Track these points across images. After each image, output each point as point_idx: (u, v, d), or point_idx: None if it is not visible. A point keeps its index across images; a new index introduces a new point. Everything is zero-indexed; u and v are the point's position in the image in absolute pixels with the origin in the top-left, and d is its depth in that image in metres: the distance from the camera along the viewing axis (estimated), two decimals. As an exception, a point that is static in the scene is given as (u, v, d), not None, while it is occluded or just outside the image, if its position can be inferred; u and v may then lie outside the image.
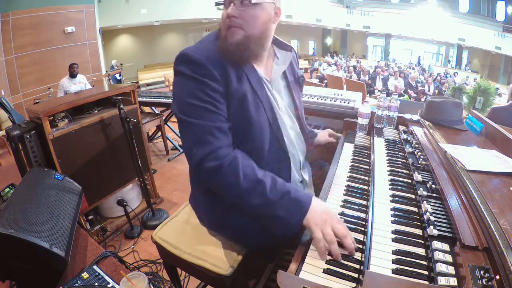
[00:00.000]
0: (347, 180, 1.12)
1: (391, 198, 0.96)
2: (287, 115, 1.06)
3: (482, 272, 0.60)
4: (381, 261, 0.71)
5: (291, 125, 1.07)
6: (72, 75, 4.41)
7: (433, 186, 0.96)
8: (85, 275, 1.03)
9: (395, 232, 0.80)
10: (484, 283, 0.58)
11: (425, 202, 0.88)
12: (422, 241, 0.77)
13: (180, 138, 1.00)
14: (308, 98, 2.05)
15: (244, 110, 0.91)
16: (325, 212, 0.80)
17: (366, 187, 1.08)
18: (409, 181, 1.06)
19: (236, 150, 0.89)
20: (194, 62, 0.87)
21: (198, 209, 1.14)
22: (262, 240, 0.99)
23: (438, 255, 0.68)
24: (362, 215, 0.91)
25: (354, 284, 0.67)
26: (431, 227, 0.76)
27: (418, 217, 0.86)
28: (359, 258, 0.75)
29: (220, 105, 0.88)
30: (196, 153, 0.86)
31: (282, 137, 1.00)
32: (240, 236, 1.03)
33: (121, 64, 8.43)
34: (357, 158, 1.31)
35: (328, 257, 0.74)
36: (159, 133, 3.89)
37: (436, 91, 7.51)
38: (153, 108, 3.75)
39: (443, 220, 0.80)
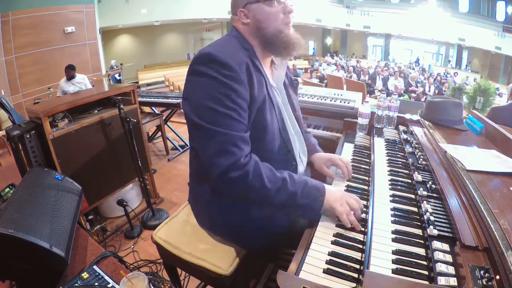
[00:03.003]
0: (347, 180, 1.12)
1: (391, 198, 0.96)
2: (290, 119, 1.08)
3: (482, 272, 0.60)
4: (381, 261, 0.71)
5: (294, 129, 1.08)
6: (67, 78, 4.37)
7: (433, 186, 0.96)
8: (85, 275, 1.03)
9: (395, 232, 0.80)
10: (484, 283, 0.58)
11: (425, 202, 0.88)
12: (422, 241, 0.77)
13: (196, 145, 0.94)
14: (308, 98, 2.05)
15: (262, 115, 0.92)
16: (338, 191, 0.93)
17: (366, 187, 1.08)
18: (409, 181, 1.06)
19: (252, 154, 0.89)
20: (221, 63, 0.83)
21: (197, 211, 1.14)
22: (261, 241, 1.00)
23: (438, 255, 0.68)
24: (362, 215, 0.91)
25: (354, 284, 0.67)
26: (431, 227, 0.76)
27: (418, 217, 0.86)
28: (359, 258, 0.75)
29: (243, 113, 0.86)
30: (220, 164, 0.82)
31: (290, 142, 1.01)
32: (239, 238, 1.03)
33: (121, 64, 8.42)
34: (357, 158, 1.31)
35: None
36: (159, 133, 3.89)
37: (436, 91, 7.50)
38: (153, 108, 3.75)
39: (443, 220, 0.80)
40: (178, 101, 3.32)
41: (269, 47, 0.96)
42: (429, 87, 7.72)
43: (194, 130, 0.87)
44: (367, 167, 1.22)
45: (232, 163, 0.82)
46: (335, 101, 1.98)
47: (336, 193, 0.91)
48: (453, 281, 0.62)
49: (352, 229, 0.85)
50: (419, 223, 0.84)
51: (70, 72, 4.35)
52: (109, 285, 0.99)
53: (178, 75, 9.72)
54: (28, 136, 1.61)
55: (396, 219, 0.85)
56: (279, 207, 0.91)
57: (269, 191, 0.85)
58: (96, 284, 1.00)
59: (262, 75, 0.94)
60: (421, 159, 1.15)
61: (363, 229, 0.85)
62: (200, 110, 0.84)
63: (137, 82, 10.01)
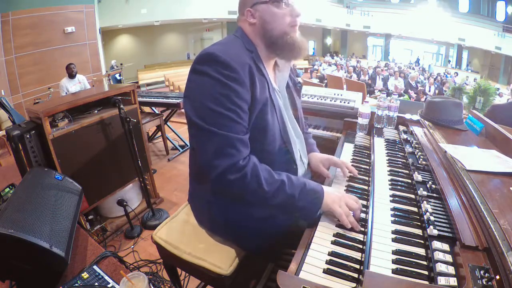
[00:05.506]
0: (347, 180, 1.12)
1: (391, 198, 0.96)
2: (291, 121, 1.08)
3: (482, 272, 0.60)
4: (381, 261, 0.71)
5: (295, 131, 1.08)
6: (71, 76, 4.40)
7: (433, 186, 0.96)
8: (85, 275, 1.03)
9: (395, 232, 0.80)
10: (484, 283, 0.58)
11: (425, 202, 0.88)
12: (422, 241, 0.77)
13: (194, 145, 0.92)
14: (308, 98, 2.05)
15: (263, 117, 0.92)
16: (336, 192, 0.92)
17: (366, 187, 1.08)
18: (409, 181, 1.06)
19: (251, 156, 0.88)
20: (223, 64, 0.83)
21: (197, 211, 1.14)
22: (261, 241, 1.00)
23: (438, 255, 0.68)
24: (362, 215, 0.91)
25: (354, 284, 0.67)
26: (431, 227, 0.76)
27: (418, 217, 0.86)
28: (359, 258, 0.75)
29: (243, 114, 0.85)
30: (218, 165, 0.82)
31: (290, 144, 1.01)
32: (239, 238, 1.03)
33: (121, 64, 8.43)
34: (357, 158, 1.31)
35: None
36: (159, 133, 3.89)
37: (437, 91, 7.50)
38: (153, 108, 3.75)
39: (443, 220, 0.80)
40: (178, 101, 3.32)
41: (274, 48, 0.95)
42: (430, 87, 7.72)
43: (194, 129, 0.87)
44: (367, 167, 1.22)
45: (231, 165, 0.82)
46: (335, 101, 1.98)
47: (334, 195, 0.90)
48: (453, 281, 0.62)
49: (352, 229, 0.85)
50: (419, 223, 0.84)
51: (73, 69, 4.36)
52: (109, 285, 0.99)
53: (178, 75, 9.72)
54: (28, 136, 1.61)
55: (396, 219, 0.85)
56: (276, 209, 0.91)
57: (267, 193, 0.85)
58: (96, 284, 1.00)
59: (264, 77, 0.94)
60: (421, 159, 1.15)
61: (363, 229, 0.85)
62: (200, 110, 0.84)
63: (137, 82, 10.01)
